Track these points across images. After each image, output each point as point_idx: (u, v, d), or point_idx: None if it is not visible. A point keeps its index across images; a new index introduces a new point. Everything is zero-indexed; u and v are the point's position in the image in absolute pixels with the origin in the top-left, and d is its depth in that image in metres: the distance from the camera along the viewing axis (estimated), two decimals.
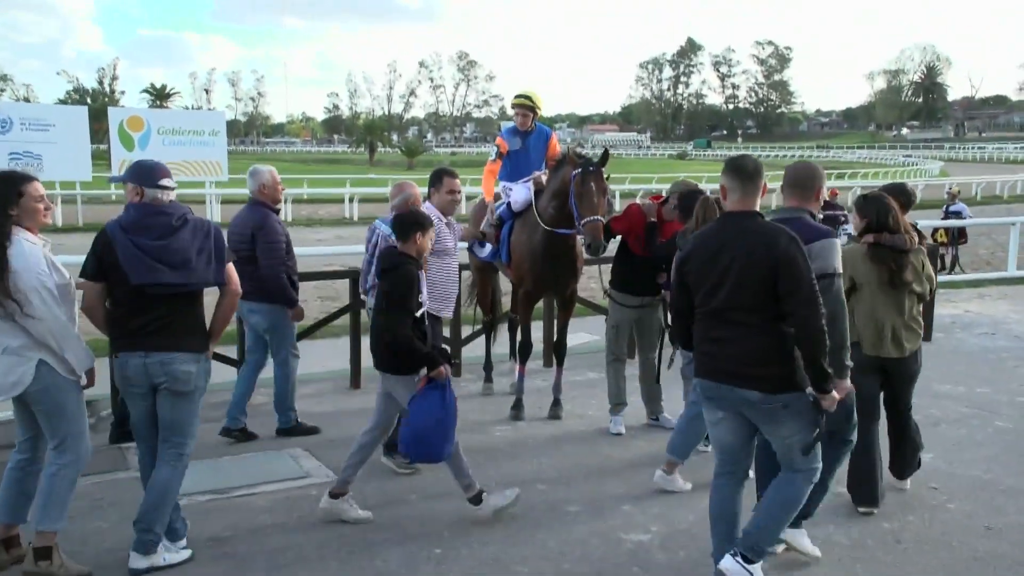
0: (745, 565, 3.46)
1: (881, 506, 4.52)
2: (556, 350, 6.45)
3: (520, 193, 6.28)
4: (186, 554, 3.96)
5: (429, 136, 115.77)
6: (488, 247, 6.51)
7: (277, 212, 5.74)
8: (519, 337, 6.49)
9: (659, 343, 5.94)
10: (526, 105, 6.49)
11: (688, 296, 3.58)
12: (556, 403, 6.32)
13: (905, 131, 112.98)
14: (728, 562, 3.50)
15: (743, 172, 3.50)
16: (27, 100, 50.28)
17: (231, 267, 3.91)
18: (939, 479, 4.98)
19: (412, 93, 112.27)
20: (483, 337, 7.27)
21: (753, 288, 3.35)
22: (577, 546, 4.13)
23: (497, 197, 6.47)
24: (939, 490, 4.83)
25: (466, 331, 7.60)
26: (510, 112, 6.77)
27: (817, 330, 3.28)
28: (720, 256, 3.41)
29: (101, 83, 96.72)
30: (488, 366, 7.04)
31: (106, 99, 76.90)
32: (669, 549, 4.11)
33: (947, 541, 4.20)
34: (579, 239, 5.97)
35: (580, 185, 5.60)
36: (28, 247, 3.59)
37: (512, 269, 6.35)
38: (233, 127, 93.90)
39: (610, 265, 6.10)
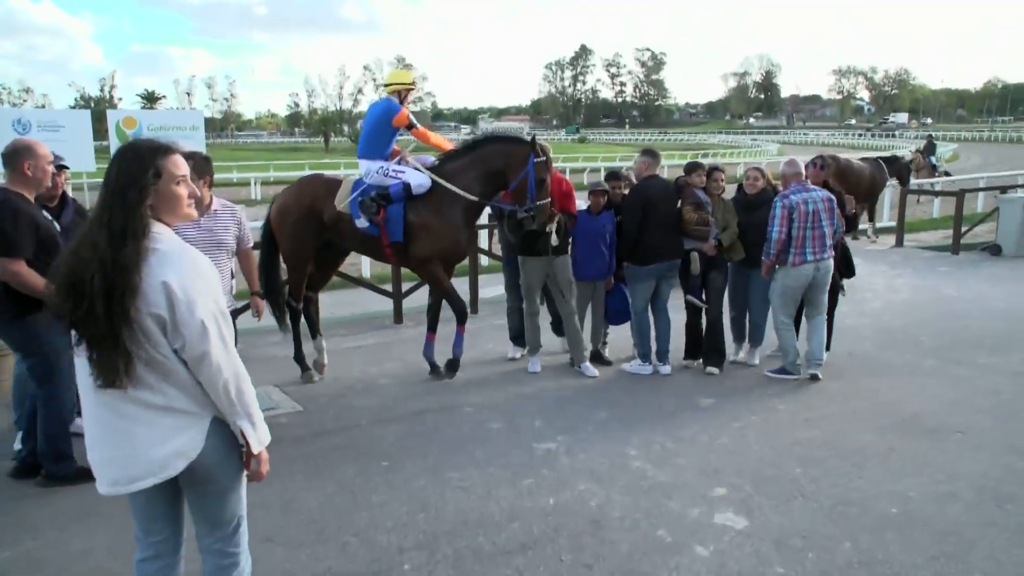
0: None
1: (730, 411, 4.77)
2: (434, 315, 5.57)
3: (419, 177, 5.24)
4: None
5: None
6: (364, 219, 5.24)
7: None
8: (453, 303, 5.34)
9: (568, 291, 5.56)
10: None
11: None
12: (447, 365, 5.54)
13: (752, 120, 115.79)
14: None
15: None
16: (43, 107, 48.57)
17: None
18: (775, 387, 5.24)
19: (359, 92, 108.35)
20: (411, 290, 6.64)
21: None
22: (498, 455, 4.16)
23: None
24: (773, 395, 5.07)
25: (406, 285, 7.47)
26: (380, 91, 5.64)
27: None
28: None
29: (103, 91, 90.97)
30: (301, 356, 5.54)
31: (107, 104, 72.42)
32: (572, 454, 4.17)
33: (776, 432, 4.43)
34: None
35: (543, 171, 5.00)
36: None
37: (418, 246, 5.25)
38: (211, 123, 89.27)
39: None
